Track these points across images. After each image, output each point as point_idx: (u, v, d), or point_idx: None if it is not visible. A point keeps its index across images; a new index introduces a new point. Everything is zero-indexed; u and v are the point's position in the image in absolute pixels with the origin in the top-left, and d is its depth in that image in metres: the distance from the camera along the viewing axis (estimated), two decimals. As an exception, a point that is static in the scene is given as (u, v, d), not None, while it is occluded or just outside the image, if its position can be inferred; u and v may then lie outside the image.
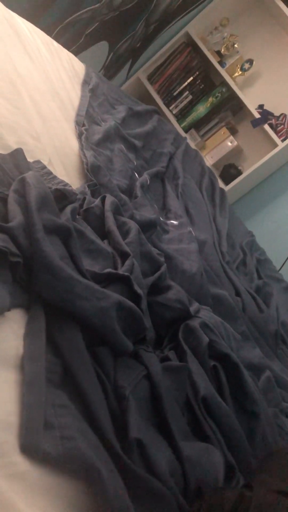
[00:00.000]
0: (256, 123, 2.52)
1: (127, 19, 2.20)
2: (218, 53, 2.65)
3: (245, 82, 2.71)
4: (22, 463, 0.53)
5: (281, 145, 2.46)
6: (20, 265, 0.70)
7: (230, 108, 2.67)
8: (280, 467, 0.87)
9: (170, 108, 2.73)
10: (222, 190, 1.93)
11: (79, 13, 1.92)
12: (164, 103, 2.73)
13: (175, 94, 2.70)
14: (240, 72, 2.62)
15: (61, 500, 0.55)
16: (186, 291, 1.07)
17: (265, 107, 2.59)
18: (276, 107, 2.61)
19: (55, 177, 1.00)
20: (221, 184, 2.53)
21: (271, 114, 2.58)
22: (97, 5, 1.96)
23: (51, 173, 0.99)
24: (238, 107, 2.67)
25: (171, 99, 2.72)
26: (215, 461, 0.77)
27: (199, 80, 2.66)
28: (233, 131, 2.69)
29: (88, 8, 1.95)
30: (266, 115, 2.54)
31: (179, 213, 1.43)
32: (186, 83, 2.67)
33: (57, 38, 1.79)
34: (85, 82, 1.51)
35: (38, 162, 0.98)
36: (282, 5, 2.48)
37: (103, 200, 1.06)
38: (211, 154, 2.69)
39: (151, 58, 2.68)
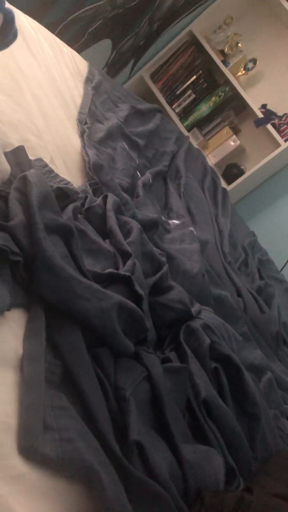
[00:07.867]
0: (259, 122, 2.52)
1: (130, 17, 2.19)
2: (222, 52, 2.64)
3: (249, 81, 2.70)
4: (20, 466, 0.53)
5: (284, 145, 2.45)
6: (20, 264, 0.69)
7: (233, 108, 2.67)
8: (280, 470, 0.86)
9: (173, 106, 2.72)
10: (224, 189, 1.92)
11: (82, 10, 1.92)
12: (167, 102, 2.72)
13: (178, 92, 2.70)
14: (243, 72, 2.61)
15: (59, 503, 0.55)
16: (188, 291, 1.06)
17: (268, 107, 2.58)
18: (279, 107, 2.60)
19: (56, 175, 0.99)
20: (223, 183, 2.52)
21: (274, 114, 2.57)
22: (100, 3, 1.95)
23: (52, 171, 0.99)
24: (241, 107, 2.66)
25: (174, 97, 2.72)
26: (215, 464, 0.76)
27: (202, 79, 2.65)
28: (236, 131, 2.68)
29: (91, 6, 1.94)
30: (269, 115, 2.53)
31: (181, 212, 1.42)
32: (189, 82, 2.66)
33: (60, 36, 1.77)
34: (88, 80, 1.50)
35: (39, 160, 0.98)
36: (286, 5, 2.47)
37: (105, 199, 1.05)
38: (214, 154, 2.68)
39: (154, 56, 2.67)
